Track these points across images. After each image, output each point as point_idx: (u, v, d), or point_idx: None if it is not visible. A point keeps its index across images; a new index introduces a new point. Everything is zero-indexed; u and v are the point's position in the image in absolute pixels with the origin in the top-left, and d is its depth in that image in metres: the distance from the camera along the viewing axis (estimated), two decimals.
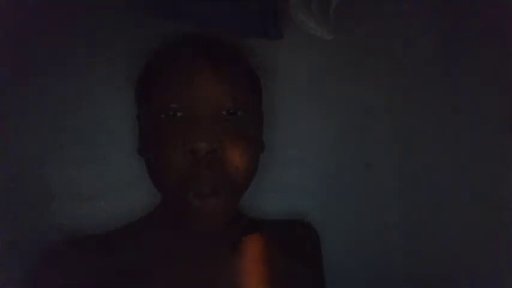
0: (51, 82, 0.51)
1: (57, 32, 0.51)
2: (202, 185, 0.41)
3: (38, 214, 0.49)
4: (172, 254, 0.46)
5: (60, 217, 0.50)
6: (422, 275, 0.54)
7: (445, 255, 0.51)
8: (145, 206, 0.51)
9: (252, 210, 0.54)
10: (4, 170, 0.48)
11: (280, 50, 0.56)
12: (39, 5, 0.50)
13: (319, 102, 0.59)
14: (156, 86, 0.45)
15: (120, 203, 0.52)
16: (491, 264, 0.45)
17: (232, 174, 0.42)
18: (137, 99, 0.49)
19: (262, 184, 0.51)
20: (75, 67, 0.52)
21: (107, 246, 0.47)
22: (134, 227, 0.49)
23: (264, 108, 0.52)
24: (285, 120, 0.57)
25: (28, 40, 0.50)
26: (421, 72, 0.54)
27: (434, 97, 0.53)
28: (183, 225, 0.46)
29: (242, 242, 0.48)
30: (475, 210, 0.47)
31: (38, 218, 0.49)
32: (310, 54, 0.57)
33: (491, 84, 0.45)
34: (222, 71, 0.44)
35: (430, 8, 0.51)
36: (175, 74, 0.44)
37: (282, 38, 0.53)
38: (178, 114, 0.42)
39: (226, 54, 0.48)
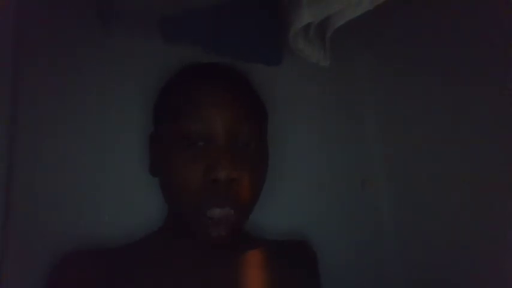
0: (64, 90, 0.54)
1: (78, 40, 0.55)
2: (221, 200, 0.45)
3: (43, 223, 0.51)
4: (177, 266, 0.48)
5: (64, 227, 0.51)
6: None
7: (440, 264, 0.53)
8: (149, 217, 0.53)
9: (253, 226, 0.56)
10: (9, 178, 0.49)
11: (281, 79, 0.59)
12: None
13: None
14: (179, 113, 0.47)
15: (124, 214, 0.54)
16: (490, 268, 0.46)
17: (245, 198, 0.47)
18: (156, 120, 0.51)
19: (263, 199, 0.53)
20: (88, 76, 0.54)
21: (117, 259, 0.48)
22: (142, 241, 0.51)
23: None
24: (285, 140, 0.60)
25: (51, 47, 0.53)
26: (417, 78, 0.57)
27: (431, 102, 0.55)
28: (194, 239, 0.48)
29: (243, 259, 0.50)
30: (473, 216, 0.48)
31: (43, 227, 0.51)
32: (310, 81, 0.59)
33: (489, 91, 0.46)
34: (241, 105, 0.48)
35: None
36: (200, 104, 0.47)
37: (281, 63, 0.55)
38: (200, 143, 0.46)
39: (244, 87, 0.51)
